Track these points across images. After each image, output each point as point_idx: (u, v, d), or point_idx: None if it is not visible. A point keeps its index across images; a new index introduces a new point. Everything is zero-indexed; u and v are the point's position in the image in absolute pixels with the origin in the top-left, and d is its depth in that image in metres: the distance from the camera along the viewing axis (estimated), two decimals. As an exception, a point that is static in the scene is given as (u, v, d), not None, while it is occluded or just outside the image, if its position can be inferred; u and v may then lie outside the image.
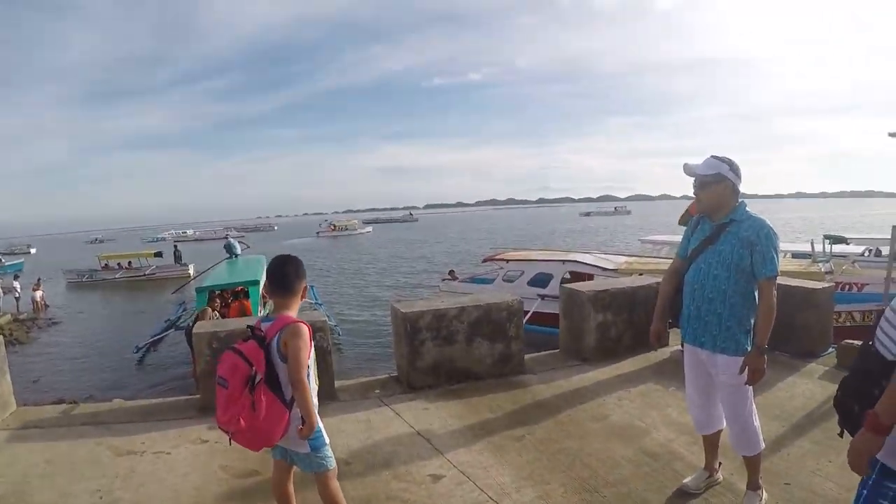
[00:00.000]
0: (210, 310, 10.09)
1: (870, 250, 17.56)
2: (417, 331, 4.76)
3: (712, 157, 2.73)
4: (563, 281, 12.56)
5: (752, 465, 2.81)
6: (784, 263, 3.36)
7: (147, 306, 23.92)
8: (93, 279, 32.77)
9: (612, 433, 3.74)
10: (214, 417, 2.25)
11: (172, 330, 15.70)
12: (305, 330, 2.26)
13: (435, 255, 42.25)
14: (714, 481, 3.00)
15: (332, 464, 2.44)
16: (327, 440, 2.42)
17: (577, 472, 3.23)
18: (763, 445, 2.82)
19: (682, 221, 4.91)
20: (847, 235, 19.71)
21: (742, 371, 2.60)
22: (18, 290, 23.95)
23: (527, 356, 5.26)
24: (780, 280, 2.61)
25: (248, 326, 2.35)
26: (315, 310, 12.03)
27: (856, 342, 4.70)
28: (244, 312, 10.69)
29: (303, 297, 2.45)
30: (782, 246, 2.72)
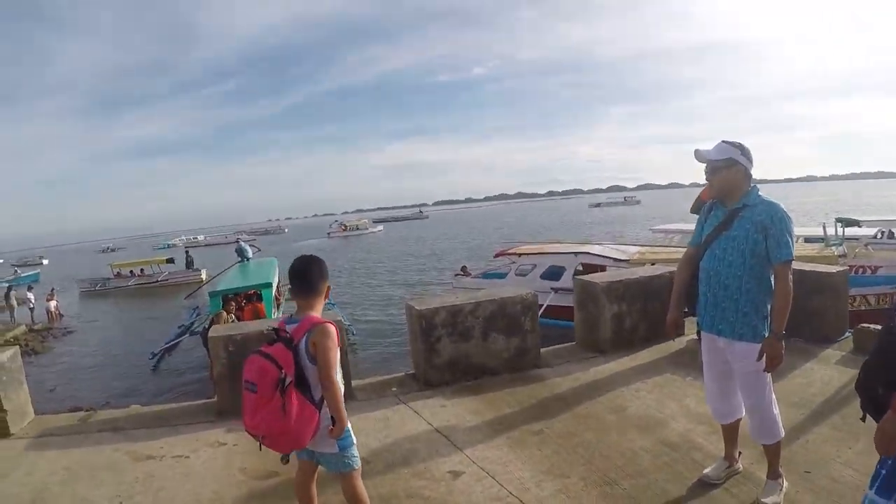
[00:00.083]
0: (226, 313, 10.12)
1: (882, 232, 17.39)
2: (433, 327, 4.76)
3: (723, 141, 2.71)
4: (576, 273, 12.53)
5: (772, 453, 2.78)
6: (797, 248, 3.31)
7: (160, 312, 24.11)
8: (106, 288, 33.08)
9: (630, 425, 3.73)
10: (234, 421, 2.25)
11: (187, 335, 15.82)
12: (334, 330, 2.26)
13: (446, 252, 42.18)
14: (734, 471, 2.98)
15: (358, 463, 2.44)
16: (355, 440, 2.42)
17: (596, 464, 3.22)
18: (783, 433, 2.79)
19: (695, 209, 4.72)
20: (859, 218, 19.54)
21: (760, 358, 2.57)
22: (33, 301, 24.15)
23: (542, 350, 5.25)
24: (794, 265, 2.58)
25: (273, 329, 2.34)
26: (329, 310, 12.06)
27: (873, 326, 4.64)
28: (258, 315, 10.76)
29: (326, 296, 2.45)
30: (795, 231, 2.69)
